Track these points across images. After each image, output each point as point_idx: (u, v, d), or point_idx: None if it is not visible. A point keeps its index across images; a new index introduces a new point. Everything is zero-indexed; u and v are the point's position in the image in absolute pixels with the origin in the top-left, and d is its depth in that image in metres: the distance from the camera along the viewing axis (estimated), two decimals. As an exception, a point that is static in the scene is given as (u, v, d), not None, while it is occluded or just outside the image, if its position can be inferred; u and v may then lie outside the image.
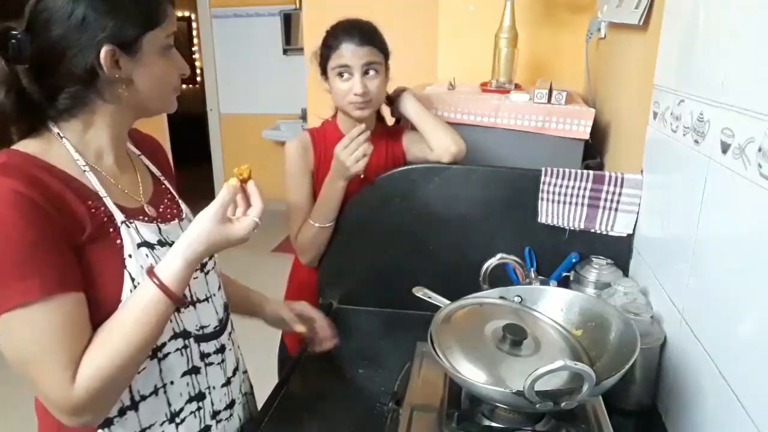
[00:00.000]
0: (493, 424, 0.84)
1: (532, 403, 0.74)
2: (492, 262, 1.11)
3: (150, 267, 0.77)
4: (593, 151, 1.56)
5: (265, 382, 1.17)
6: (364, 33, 1.33)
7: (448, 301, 1.00)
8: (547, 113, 1.47)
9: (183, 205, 0.96)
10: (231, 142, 5.44)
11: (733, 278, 0.79)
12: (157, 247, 0.82)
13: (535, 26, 1.97)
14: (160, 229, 0.85)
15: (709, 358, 0.83)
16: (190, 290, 0.87)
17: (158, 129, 4.31)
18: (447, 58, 2.07)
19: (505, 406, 0.83)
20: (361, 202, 1.37)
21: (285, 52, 5.10)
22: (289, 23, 5.02)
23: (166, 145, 4.42)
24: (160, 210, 0.89)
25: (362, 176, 1.33)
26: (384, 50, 1.37)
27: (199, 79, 6.12)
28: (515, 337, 0.85)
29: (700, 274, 0.89)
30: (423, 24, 2.30)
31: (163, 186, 0.95)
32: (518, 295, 1.00)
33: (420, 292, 1.04)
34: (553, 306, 0.99)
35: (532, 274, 1.21)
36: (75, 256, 0.73)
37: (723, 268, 0.82)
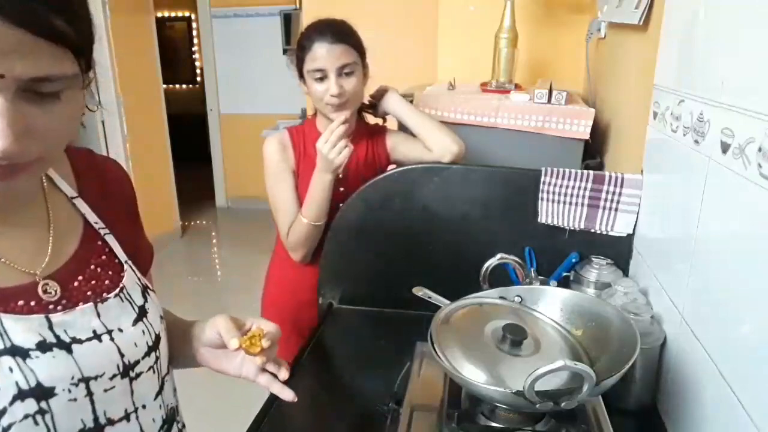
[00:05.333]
0: (493, 424, 0.84)
1: (532, 403, 0.74)
2: (492, 262, 1.11)
3: None
4: (593, 151, 1.56)
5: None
6: (337, 31, 1.29)
7: (448, 301, 1.00)
8: (547, 113, 1.47)
9: (129, 269, 0.68)
10: (231, 142, 5.45)
11: (733, 278, 0.79)
12: (36, 353, 0.54)
13: (535, 26, 1.97)
14: (50, 322, 0.56)
15: (709, 358, 0.83)
16: (95, 412, 0.59)
17: (158, 129, 4.30)
18: (447, 58, 2.08)
19: (505, 406, 0.83)
20: (361, 202, 1.37)
21: (285, 52, 5.09)
22: (289, 23, 5.02)
23: (166, 145, 4.41)
24: (73, 285, 0.61)
25: (341, 176, 1.31)
26: (359, 48, 1.33)
27: (199, 79, 6.12)
28: (515, 337, 0.85)
29: (700, 274, 0.89)
30: (423, 24, 2.30)
31: (99, 243, 0.66)
32: (518, 295, 1.00)
33: (420, 292, 1.04)
34: (553, 306, 0.99)
35: (532, 274, 1.21)
36: None
37: (723, 268, 0.82)
